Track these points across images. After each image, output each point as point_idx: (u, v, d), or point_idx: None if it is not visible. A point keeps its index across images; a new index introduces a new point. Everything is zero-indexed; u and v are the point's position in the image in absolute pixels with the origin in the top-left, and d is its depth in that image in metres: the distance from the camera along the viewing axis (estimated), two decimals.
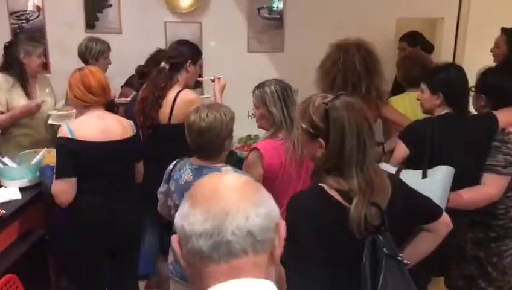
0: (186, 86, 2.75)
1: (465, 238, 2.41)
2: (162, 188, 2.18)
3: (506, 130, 2.32)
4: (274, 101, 2.25)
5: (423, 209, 1.67)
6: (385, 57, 4.04)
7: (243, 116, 4.29)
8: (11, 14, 4.07)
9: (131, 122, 2.48)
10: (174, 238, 0.90)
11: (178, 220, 0.88)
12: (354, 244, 1.43)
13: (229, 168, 2.07)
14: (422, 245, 1.71)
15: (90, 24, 4.14)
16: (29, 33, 3.90)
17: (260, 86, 2.33)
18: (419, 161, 2.18)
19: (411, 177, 2.17)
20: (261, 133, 4.19)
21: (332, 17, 4.13)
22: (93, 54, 3.51)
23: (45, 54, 3.66)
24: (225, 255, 0.82)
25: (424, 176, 2.13)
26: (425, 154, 2.17)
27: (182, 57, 2.70)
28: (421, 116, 2.55)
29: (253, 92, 2.34)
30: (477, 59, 3.92)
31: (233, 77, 4.22)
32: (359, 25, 4.07)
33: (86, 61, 3.50)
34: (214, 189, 0.87)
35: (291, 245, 1.14)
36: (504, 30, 3.55)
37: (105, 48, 3.57)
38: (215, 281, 0.83)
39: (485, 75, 2.49)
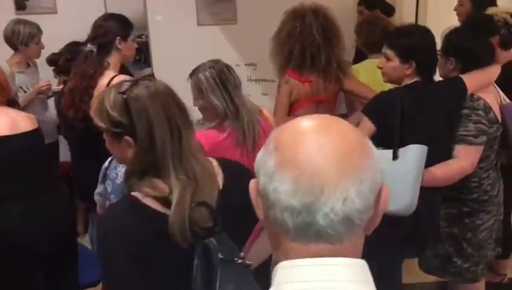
0: (122, 70, 2.43)
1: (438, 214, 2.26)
2: (98, 188, 1.90)
3: (475, 95, 2.13)
4: (212, 88, 1.94)
5: None
6: (343, 23, 3.81)
7: None
8: None
9: (32, 116, 2.28)
10: (252, 184, 0.75)
11: (260, 169, 0.72)
12: (183, 255, 1.20)
13: None
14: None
15: (20, 5, 3.76)
16: None
17: (194, 73, 2.01)
18: (388, 139, 1.97)
19: (381, 156, 1.97)
20: None
21: None
22: (22, 38, 3.14)
23: None
24: (315, 237, 0.68)
25: (395, 157, 1.94)
26: (395, 132, 1.97)
27: (109, 35, 2.34)
28: (385, 88, 2.33)
29: (188, 80, 2.03)
30: (440, 19, 3.75)
31: (183, 53, 3.94)
32: None
33: (14, 47, 3.15)
34: (310, 151, 0.68)
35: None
36: None
37: (35, 31, 3.20)
38: (299, 257, 0.70)
39: (452, 36, 2.27)
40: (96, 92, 2.27)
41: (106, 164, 1.88)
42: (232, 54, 3.98)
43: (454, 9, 3.41)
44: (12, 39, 3.14)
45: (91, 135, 2.25)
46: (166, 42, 3.93)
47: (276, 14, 2.66)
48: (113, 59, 2.37)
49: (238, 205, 1.16)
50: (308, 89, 2.53)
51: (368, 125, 2.06)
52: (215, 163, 1.37)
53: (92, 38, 2.34)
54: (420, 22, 4.00)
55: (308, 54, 2.48)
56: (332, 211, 0.66)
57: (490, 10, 2.81)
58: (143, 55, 3.97)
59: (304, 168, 0.67)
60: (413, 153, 1.93)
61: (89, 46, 2.33)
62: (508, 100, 2.30)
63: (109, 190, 1.84)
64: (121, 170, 1.81)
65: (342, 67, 2.58)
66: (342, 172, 0.67)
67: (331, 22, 2.52)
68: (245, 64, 3.96)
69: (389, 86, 2.32)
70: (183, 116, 1.29)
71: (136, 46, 2.51)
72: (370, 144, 0.73)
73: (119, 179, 1.79)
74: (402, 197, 1.91)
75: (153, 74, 3.98)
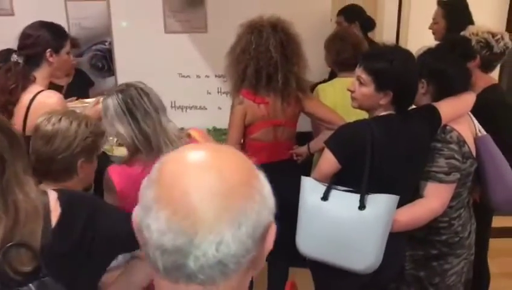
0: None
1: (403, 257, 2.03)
2: None
3: (448, 126, 1.90)
4: (119, 117, 1.71)
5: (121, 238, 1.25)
6: (320, 35, 3.62)
7: (166, 106, 3.79)
8: None
9: None
10: (135, 212, 0.70)
11: (141, 199, 0.68)
12: None
13: None
14: (136, 275, 1.44)
15: None
16: None
17: (104, 99, 1.80)
18: (355, 179, 1.76)
19: (345, 204, 1.75)
20: (188, 127, 3.76)
21: None
22: None
23: None
24: (185, 279, 0.65)
25: (362, 206, 1.71)
26: (363, 175, 1.73)
27: (38, 46, 2.10)
28: (354, 109, 2.08)
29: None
30: (423, 36, 3.51)
31: (150, 62, 3.70)
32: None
33: None
34: (188, 188, 0.65)
35: None
36: (440, 3, 3.15)
37: None
38: None
39: (425, 57, 2.04)
40: (18, 110, 2.02)
41: None
42: (201, 64, 3.76)
43: (429, 28, 3.18)
44: None
45: None
46: (131, 50, 3.68)
47: None
48: (42, 73, 2.12)
49: (74, 245, 1.03)
50: (264, 111, 2.30)
51: (331, 160, 1.83)
52: (53, 196, 1.23)
53: (18, 48, 2.09)
54: (401, 39, 3.79)
55: (264, 72, 2.24)
56: (205, 256, 0.63)
57: (470, 29, 2.58)
58: (106, 63, 3.72)
59: (179, 206, 0.64)
60: (383, 204, 1.72)
61: (14, 57, 2.07)
62: (483, 131, 2.07)
63: None
64: None
65: (301, 88, 2.34)
66: (218, 214, 0.63)
67: (291, 38, 2.29)
68: (215, 76, 3.73)
69: (358, 111, 2.07)
70: (12, 146, 1.08)
71: (72, 59, 2.27)
72: (259, 182, 0.69)
73: None
74: (367, 255, 1.72)
75: (116, 83, 3.76)
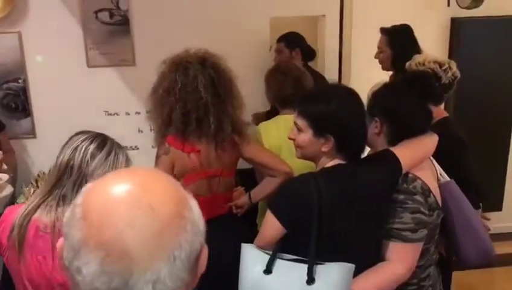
0: None
1: None
2: None
3: (410, 174, 1.64)
4: None
5: None
6: (259, 64, 3.37)
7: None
8: None
9: None
10: (59, 244, 0.67)
11: (66, 235, 0.65)
12: None
13: None
14: None
15: None
16: None
17: None
18: (303, 246, 1.47)
19: (291, 278, 1.45)
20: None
21: (192, 17, 3.32)
22: None
23: None
24: None
25: (311, 279, 1.42)
26: (310, 240, 1.45)
27: None
28: None
29: None
30: (366, 62, 3.36)
31: (72, 100, 3.31)
32: (227, 27, 3.35)
33: None
34: (119, 228, 0.61)
35: None
36: (383, 30, 2.99)
37: None
38: None
39: (379, 93, 1.81)
40: None
41: None
42: (131, 100, 3.40)
43: (375, 57, 3.01)
44: None
45: None
46: (49, 87, 3.28)
47: None
48: None
49: None
50: (196, 160, 1.97)
51: (275, 225, 1.53)
52: None
53: None
54: (344, 64, 3.60)
55: (193, 116, 1.93)
56: None
57: (416, 59, 2.40)
58: (20, 103, 3.28)
59: (111, 248, 0.61)
60: (336, 277, 1.44)
61: None
62: (445, 176, 1.84)
63: None
64: None
65: (238, 130, 2.04)
66: (153, 253, 0.62)
67: (222, 74, 2.00)
68: (147, 112, 3.38)
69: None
70: None
71: None
72: (190, 211, 0.67)
73: None
74: None
75: (33, 124, 3.32)
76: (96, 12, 3.21)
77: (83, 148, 1.44)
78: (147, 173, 0.70)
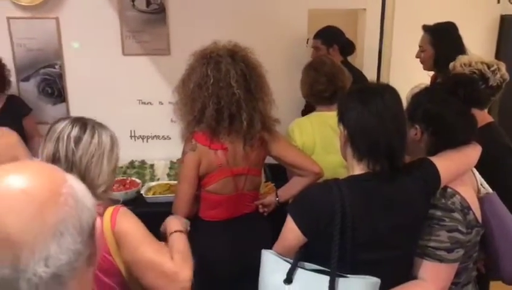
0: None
1: None
2: None
3: (449, 188, 1.53)
4: None
5: None
6: (295, 58, 3.28)
7: (124, 136, 3.40)
8: None
9: None
10: None
11: None
12: None
13: None
14: None
15: None
16: None
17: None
18: (325, 256, 1.38)
19: (310, 287, 1.38)
20: (157, 160, 3.37)
21: (229, 7, 3.26)
22: None
23: None
24: None
25: None
26: (332, 252, 1.36)
27: None
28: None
29: None
30: (406, 60, 3.22)
31: (106, 87, 3.32)
32: (263, 18, 3.28)
33: None
34: None
35: None
36: (426, 28, 2.81)
37: None
38: None
39: (421, 98, 1.67)
40: None
41: None
42: (164, 89, 3.36)
43: (417, 57, 2.86)
44: None
45: None
46: (84, 74, 3.30)
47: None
48: None
49: None
50: (223, 158, 1.92)
51: (295, 231, 1.43)
52: None
53: None
54: (384, 60, 3.46)
55: (226, 113, 1.86)
56: (36, 275, 0.64)
57: (461, 59, 2.26)
58: (56, 89, 3.31)
59: None
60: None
61: None
62: (487, 187, 1.71)
63: None
64: None
65: (267, 127, 1.97)
66: (37, 233, 0.65)
67: (253, 68, 1.92)
68: (172, 103, 3.36)
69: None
70: None
71: None
72: (69, 187, 0.71)
73: None
74: None
75: (67, 110, 3.36)
76: (133, 0, 3.18)
77: (65, 137, 1.38)
78: (19, 164, 0.74)
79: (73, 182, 0.73)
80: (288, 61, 3.30)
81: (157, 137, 3.52)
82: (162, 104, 3.44)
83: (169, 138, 3.50)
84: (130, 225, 1.35)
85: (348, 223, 1.36)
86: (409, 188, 1.46)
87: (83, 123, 1.44)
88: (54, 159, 1.37)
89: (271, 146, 2.00)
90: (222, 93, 1.86)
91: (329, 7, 3.38)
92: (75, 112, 3.38)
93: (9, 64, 3.12)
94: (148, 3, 3.21)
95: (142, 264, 1.32)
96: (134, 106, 3.40)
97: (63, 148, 1.37)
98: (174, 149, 3.48)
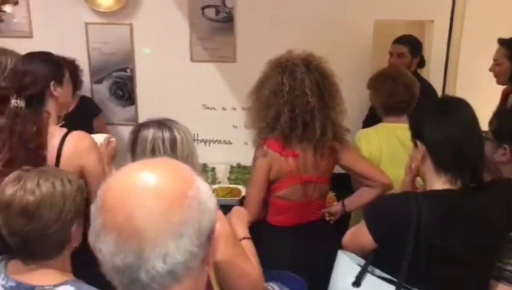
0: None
1: None
2: None
3: None
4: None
5: None
6: (358, 67, 3.28)
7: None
8: None
9: None
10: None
11: (92, 222, 0.75)
12: None
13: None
14: None
15: None
16: None
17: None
18: (394, 265, 1.39)
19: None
20: (218, 164, 3.46)
21: (295, 16, 3.31)
22: (3, 69, 2.44)
23: None
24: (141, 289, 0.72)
25: None
26: (402, 263, 1.36)
27: (40, 82, 1.77)
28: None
29: None
30: (474, 73, 3.16)
31: (173, 91, 3.45)
32: (330, 27, 3.30)
33: None
34: (129, 211, 0.70)
35: None
36: (502, 41, 2.73)
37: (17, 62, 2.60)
38: None
39: (508, 117, 1.67)
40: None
41: None
42: (228, 96, 3.47)
43: (490, 70, 2.79)
44: None
45: None
46: (153, 78, 3.44)
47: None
48: (52, 109, 1.80)
49: None
50: (293, 164, 1.95)
51: (366, 236, 1.46)
52: None
53: (17, 91, 1.73)
54: (450, 74, 3.40)
55: (299, 121, 1.90)
56: (154, 268, 0.70)
57: None
58: (127, 91, 3.47)
59: (123, 229, 0.70)
60: None
61: (14, 102, 1.72)
62: None
63: None
64: None
65: (339, 137, 1.99)
66: (160, 230, 0.70)
67: (327, 77, 1.95)
68: (242, 109, 3.41)
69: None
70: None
71: (70, 86, 1.97)
72: (196, 190, 0.74)
73: None
74: None
75: (136, 112, 3.51)
76: (203, 8, 3.30)
77: (160, 143, 1.46)
78: (156, 161, 0.80)
79: (200, 184, 0.76)
80: (352, 71, 3.29)
81: (219, 141, 3.61)
82: (225, 109, 3.53)
83: (231, 143, 3.59)
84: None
85: (422, 235, 1.36)
86: (490, 207, 1.44)
87: (168, 127, 1.53)
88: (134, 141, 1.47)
89: (341, 155, 2.02)
90: (297, 102, 1.90)
91: (397, 18, 3.36)
92: (143, 114, 3.53)
93: (85, 66, 3.32)
94: (217, 12, 3.32)
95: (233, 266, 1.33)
96: (198, 110, 3.50)
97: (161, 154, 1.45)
98: (234, 154, 3.60)
